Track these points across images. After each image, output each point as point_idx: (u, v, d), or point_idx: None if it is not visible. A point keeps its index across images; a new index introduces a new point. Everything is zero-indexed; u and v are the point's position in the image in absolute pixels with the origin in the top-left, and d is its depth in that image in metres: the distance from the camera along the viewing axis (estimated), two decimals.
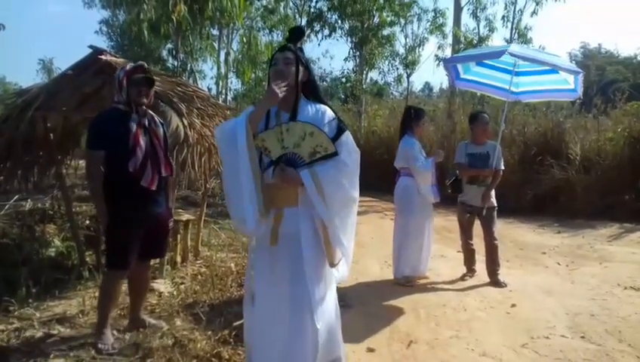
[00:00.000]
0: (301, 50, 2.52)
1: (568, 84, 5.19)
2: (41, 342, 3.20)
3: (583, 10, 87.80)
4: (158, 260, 4.66)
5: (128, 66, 3.31)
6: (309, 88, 2.52)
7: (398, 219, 4.96)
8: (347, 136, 2.44)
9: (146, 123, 3.27)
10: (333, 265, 2.45)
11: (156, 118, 3.41)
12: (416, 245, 4.80)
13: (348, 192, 2.42)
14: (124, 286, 3.52)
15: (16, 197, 6.23)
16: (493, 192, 4.89)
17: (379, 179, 10.71)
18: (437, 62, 14.86)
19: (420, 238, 4.82)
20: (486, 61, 5.44)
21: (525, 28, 13.62)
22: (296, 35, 2.54)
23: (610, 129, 9.58)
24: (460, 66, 5.62)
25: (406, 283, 4.78)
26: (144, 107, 3.28)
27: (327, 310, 2.46)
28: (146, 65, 3.48)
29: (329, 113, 2.46)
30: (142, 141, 3.19)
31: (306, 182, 2.31)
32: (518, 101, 6.07)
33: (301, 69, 2.44)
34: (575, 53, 38.55)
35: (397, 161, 4.95)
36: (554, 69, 4.99)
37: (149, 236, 3.31)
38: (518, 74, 5.36)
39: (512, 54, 4.84)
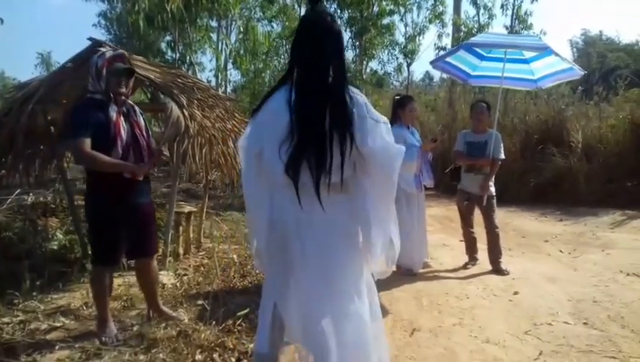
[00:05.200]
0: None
1: (568, 62, 5.20)
2: (46, 334, 3.21)
3: None
4: (160, 252, 4.68)
5: (108, 54, 3.11)
6: None
7: None
8: None
9: (125, 111, 3.12)
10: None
11: (136, 108, 3.26)
12: (402, 234, 4.71)
13: None
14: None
15: (18, 191, 6.24)
16: (492, 180, 4.89)
17: None
18: (436, 51, 14.74)
19: (405, 227, 4.72)
20: (491, 55, 5.45)
21: (525, 13, 13.38)
22: None
23: (611, 116, 9.55)
24: (462, 65, 5.63)
25: (408, 272, 4.79)
26: (123, 97, 3.11)
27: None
28: (126, 54, 3.30)
29: None
30: (122, 130, 3.04)
31: None
32: (539, 88, 6.06)
33: None
34: (576, 40, 38.27)
35: None
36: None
37: (137, 231, 3.17)
38: (529, 60, 5.36)
39: (472, 44, 5.15)
